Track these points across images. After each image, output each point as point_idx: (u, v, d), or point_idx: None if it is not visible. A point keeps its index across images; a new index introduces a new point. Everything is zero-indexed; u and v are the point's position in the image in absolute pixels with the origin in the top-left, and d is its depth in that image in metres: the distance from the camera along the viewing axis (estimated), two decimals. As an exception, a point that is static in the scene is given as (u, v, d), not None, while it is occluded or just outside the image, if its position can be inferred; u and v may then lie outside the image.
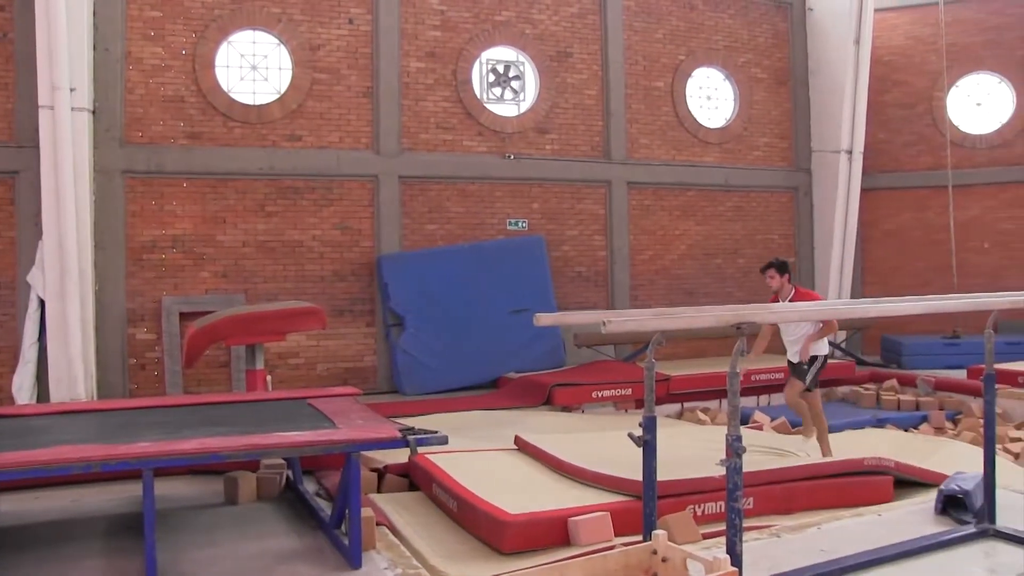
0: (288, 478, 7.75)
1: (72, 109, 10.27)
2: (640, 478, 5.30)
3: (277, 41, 12.39)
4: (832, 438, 9.52)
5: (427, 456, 7.56)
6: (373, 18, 12.71)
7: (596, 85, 14.24)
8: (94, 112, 10.97)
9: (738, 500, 4.46)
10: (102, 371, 10.92)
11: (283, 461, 7.75)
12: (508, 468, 7.73)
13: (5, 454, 5.33)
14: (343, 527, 6.13)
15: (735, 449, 4.42)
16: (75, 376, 10.17)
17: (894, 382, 12.96)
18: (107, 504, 7.44)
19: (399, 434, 5.79)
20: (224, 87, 12.09)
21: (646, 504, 5.10)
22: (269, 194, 12.12)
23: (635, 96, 14.53)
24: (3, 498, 7.53)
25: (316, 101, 12.44)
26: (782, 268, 8.53)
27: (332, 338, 12.24)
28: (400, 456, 7.83)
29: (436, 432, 5.86)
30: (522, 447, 8.35)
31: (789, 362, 8.82)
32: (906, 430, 10.82)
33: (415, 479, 7.81)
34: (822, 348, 8.59)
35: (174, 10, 11.77)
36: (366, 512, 5.95)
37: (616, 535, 6.01)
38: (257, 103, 12.24)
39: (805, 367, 8.54)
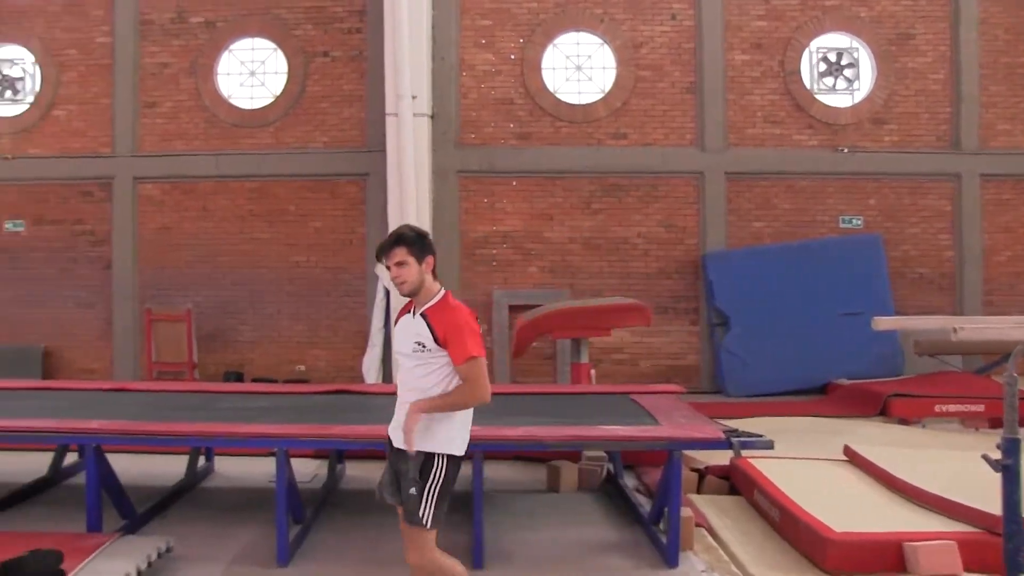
0: (609, 471, 7.83)
1: (414, 115, 11.15)
2: (997, 510, 4.72)
3: (600, 41, 12.63)
4: None
5: (750, 460, 7.31)
6: (696, 12, 12.57)
7: (943, 68, 12.97)
8: (432, 117, 11.81)
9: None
10: (437, 357, 11.71)
11: (605, 454, 7.84)
12: (836, 480, 7.27)
13: (354, 427, 5.92)
14: (661, 524, 6.11)
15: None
16: (414, 361, 10.93)
17: None
18: (441, 481, 7.94)
19: (722, 435, 5.65)
20: (550, 88, 12.54)
21: (1008, 540, 4.52)
22: (594, 192, 12.39)
23: (992, 76, 13.01)
24: (353, 465, 8.35)
25: (640, 99, 12.52)
26: (422, 246, 4.19)
27: (656, 335, 12.26)
28: (722, 458, 7.62)
29: (761, 436, 5.64)
30: (852, 459, 7.82)
31: (390, 447, 4.29)
32: None
33: (736, 483, 7.57)
34: (448, 439, 4.12)
35: (502, 17, 12.46)
36: (685, 512, 5.90)
37: (964, 571, 5.41)
38: (582, 103, 12.56)
39: (413, 476, 4.07)
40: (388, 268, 4.21)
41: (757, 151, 12.65)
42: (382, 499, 4.28)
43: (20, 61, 13.18)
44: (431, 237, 4.29)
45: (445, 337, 4.04)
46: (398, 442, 4.14)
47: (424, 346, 4.07)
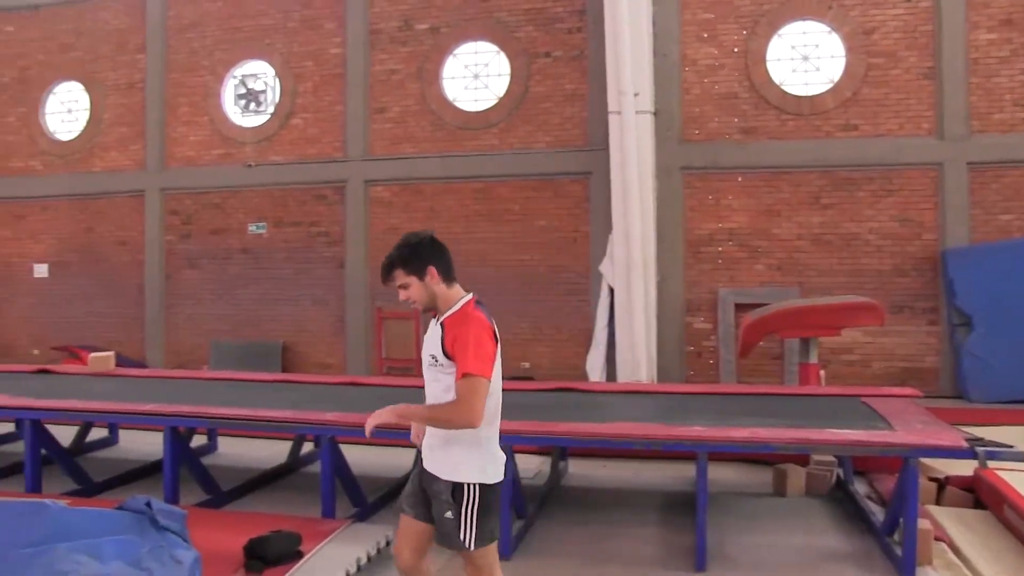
0: (839, 476, 7.55)
1: (636, 112, 11.12)
2: None
3: (828, 29, 12.11)
4: None
5: (997, 472, 6.81)
6: (934, -9, 11.78)
7: None
8: (655, 114, 11.74)
9: None
10: (662, 356, 11.65)
11: (834, 458, 7.57)
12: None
13: (578, 424, 6.01)
14: (895, 535, 5.86)
15: None
16: (638, 359, 10.96)
17: None
18: (663, 480, 7.95)
19: (965, 443, 5.32)
20: (775, 80, 12.16)
21: None
22: (823, 186, 11.90)
23: None
24: (575, 462, 8.48)
25: (871, 87, 11.88)
26: (416, 261, 3.82)
27: (890, 335, 11.61)
28: (964, 468, 7.16)
29: (1011, 447, 5.25)
30: (1121, 474, 7.11)
31: (422, 469, 4.01)
32: None
33: (981, 496, 7.08)
34: (479, 467, 3.81)
35: (724, 10, 12.23)
36: (923, 524, 5.61)
37: None
38: (809, 94, 12.09)
39: (447, 499, 3.80)
40: (399, 289, 3.89)
41: (1005, 138, 11.66)
42: (401, 510, 4.03)
43: (263, 75, 14.33)
44: (438, 241, 3.90)
45: (452, 351, 3.71)
46: (427, 463, 3.91)
47: (436, 359, 3.79)
